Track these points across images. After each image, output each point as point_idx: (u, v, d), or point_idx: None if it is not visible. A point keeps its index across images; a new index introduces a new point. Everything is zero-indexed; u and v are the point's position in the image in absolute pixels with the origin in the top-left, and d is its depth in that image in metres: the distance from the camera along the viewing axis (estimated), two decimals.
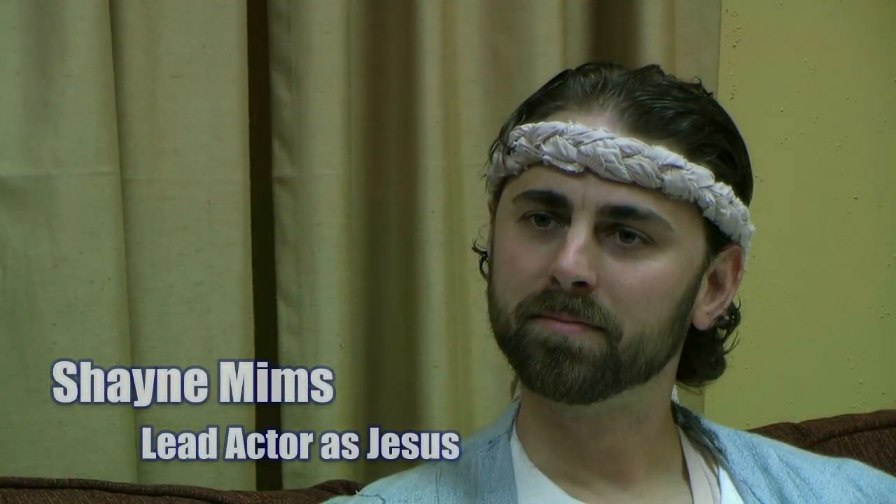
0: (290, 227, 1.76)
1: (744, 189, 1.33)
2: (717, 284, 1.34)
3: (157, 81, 1.70)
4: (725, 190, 1.29)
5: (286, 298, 1.77)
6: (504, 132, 1.34)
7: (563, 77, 1.33)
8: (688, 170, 1.27)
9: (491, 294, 1.32)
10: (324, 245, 1.75)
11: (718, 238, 1.32)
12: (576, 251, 1.25)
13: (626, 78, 1.30)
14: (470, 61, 1.85)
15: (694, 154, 1.28)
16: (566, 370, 1.27)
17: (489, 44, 1.86)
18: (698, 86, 1.34)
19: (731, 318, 1.38)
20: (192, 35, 1.70)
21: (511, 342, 1.30)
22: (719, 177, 1.29)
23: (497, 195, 1.35)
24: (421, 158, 1.79)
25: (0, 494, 1.51)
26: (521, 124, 1.31)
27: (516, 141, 1.31)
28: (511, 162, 1.31)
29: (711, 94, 1.36)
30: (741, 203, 1.32)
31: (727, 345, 1.39)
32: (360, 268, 1.82)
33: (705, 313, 1.34)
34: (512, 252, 1.30)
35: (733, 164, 1.31)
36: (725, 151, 1.30)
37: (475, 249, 1.43)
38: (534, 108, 1.32)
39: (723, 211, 1.29)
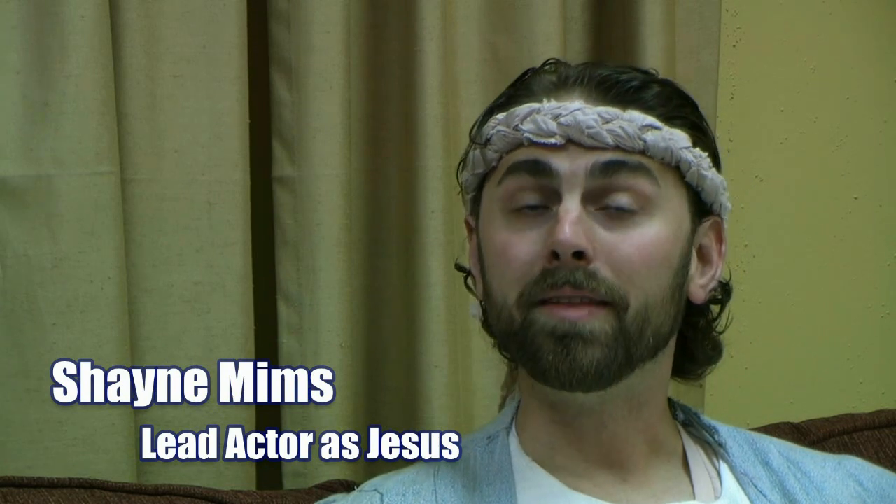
0: (290, 227, 1.76)
1: (717, 162, 1.34)
2: (704, 259, 1.35)
3: (157, 81, 1.70)
4: (704, 154, 1.31)
5: (286, 298, 1.77)
6: (474, 132, 1.34)
7: (526, 75, 1.34)
8: (666, 131, 1.28)
9: (488, 294, 1.32)
10: (324, 245, 1.75)
11: (700, 206, 1.33)
12: (571, 223, 1.25)
13: (584, 67, 1.32)
14: (470, 61, 1.85)
15: (667, 121, 1.29)
16: (580, 355, 1.26)
17: (489, 44, 1.86)
18: (655, 73, 1.36)
19: (723, 293, 1.39)
20: (192, 35, 1.70)
21: (517, 336, 1.29)
22: (696, 143, 1.31)
23: (476, 202, 1.35)
24: (421, 158, 1.79)
25: (0, 494, 1.51)
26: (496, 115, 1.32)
27: (493, 130, 1.31)
28: (490, 153, 1.32)
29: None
30: (718, 175, 1.33)
31: (721, 325, 1.39)
32: (360, 268, 1.82)
33: (699, 286, 1.34)
34: (503, 243, 1.29)
35: (705, 135, 1.32)
36: (695, 123, 1.32)
37: (458, 268, 1.43)
38: (504, 106, 1.33)
39: (704, 173, 1.31)
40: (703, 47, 1.95)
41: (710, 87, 1.94)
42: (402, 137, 1.81)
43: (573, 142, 1.27)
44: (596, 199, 1.27)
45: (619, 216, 1.27)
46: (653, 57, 1.84)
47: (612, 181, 1.27)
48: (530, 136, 1.28)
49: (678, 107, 1.31)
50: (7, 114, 1.63)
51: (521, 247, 1.28)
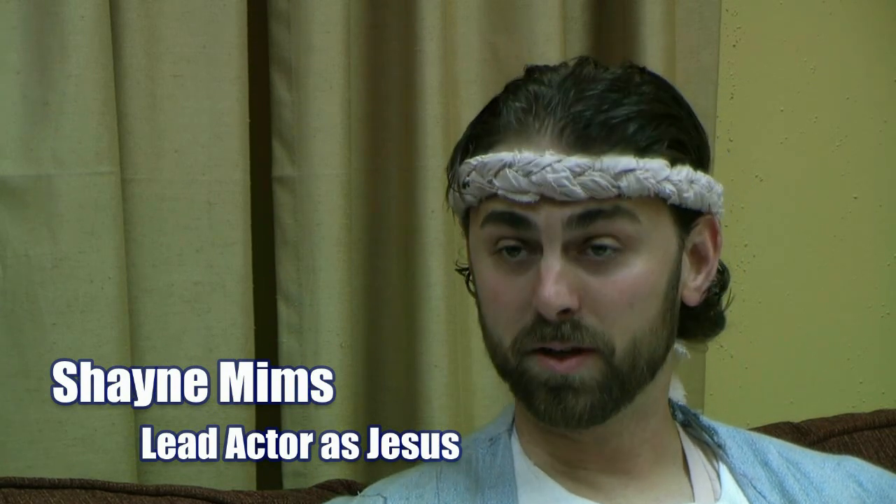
0: (290, 227, 1.76)
1: (701, 158, 1.32)
2: (699, 256, 1.34)
3: (157, 81, 1.70)
4: (684, 172, 1.28)
5: (286, 298, 1.77)
6: (451, 169, 1.33)
7: (494, 106, 1.31)
8: (641, 168, 1.26)
9: (483, 326, 1.32)
10: (324, 245, 1.75)
11: (687, 216, 1.31)
12: (553, 281, 1.25)
13: (556, 90, 1.28)
14: (470, 61, 1.85)
15: (644, 152, 1.27)
16: (571, 404, 1.27)
17: (489, 44, 1.86)
18: (630, 67, 1.32)
19: (721, 281, 1.38)
20: (192, 35, 1.70)
21: (512, 377, 1.30)
22: (675, 162, 1.28)
23: (465, 227, 1.35)
24: (421, 158, 1.79)
25: (1, 494, 1.51)
26: (469, 158, 1.30)
27: (468, 176, 1.30)
28: (468, 197, 1.31)
29: (644, 68, 1.34)
30: (703, 175, 1.31)
31: (723, 304, 1.39)
32: (360, 268, 1.82)
33: (693, 290, 1.34)
34: (493, 288, 1.29)
35: (684, 147, 1.30)
36: (674, 139, 1.29)
37: (458, 270, 1.43)
38: (476, 142, 1.31)
39: (686, 195, 1.29)
40: (703, 47, 1.95)
41: (710, 87, 1.94)
42: (402, 137, 1.81)
43: (546, 197, 1.26)
44: (577, 246, 1.26)
45: (602, 260, 1.26)
46: (653, 57, 1.84)
47: (591, 230, 1.26)
48: (503, 192, 1.27)
49: (655, 129, 1.27)
50: (7, 114, 1.63)
51: (512, 294, 1.28)
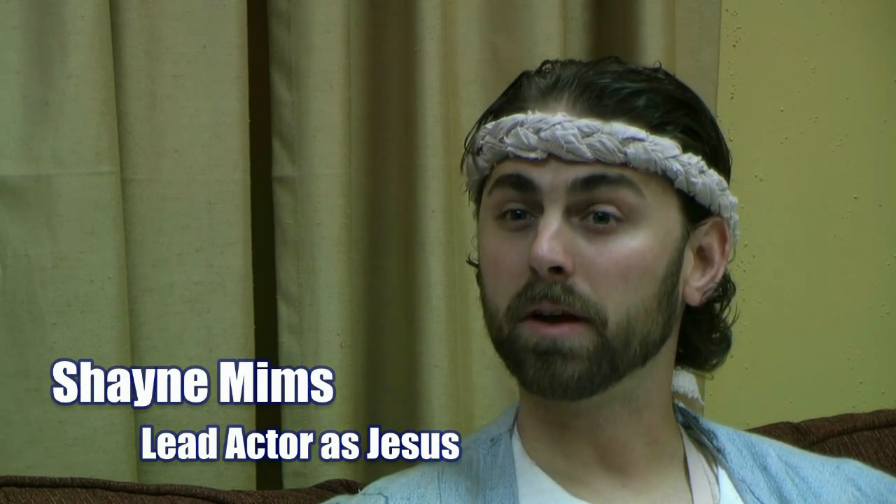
0: (290, 227, 1.76)
1: (716, 160, 1.33)
2: (705, 259, 1.35)
3: (157, 81, 1.70)
4: (694, 160, 1.30)
5: (286, 298, 1.77)
6: (469, 138, 1.35)
7: (520, 80, 1.34)
8: (650, 141, 1.28)
9: (483, 299, 1.33)
10: (324, 245, 1.75)
11: (696, 210, 1.32)
12: (549, 238, 1.26)
13: (579, 69, 1.31)
14: (470, 61, 1.85)
15: (655, 129, 1.28)
16: (559, 370, 1.27)
17: (489, 44, 1.86)
18: (657, 69, 1.35)
19: (725, 289, 1.38)
20: (192, 35, 1.70)
21: (504, 346, 1.31)
22: (687, 148, 1.29)
23: (478, 205, 1.36)
24: (421, 158, 1.79)
25: (2, 493, 1.51)
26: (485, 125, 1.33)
27: (483, 140, 1.32)
28: (481, 161, 1.33)
29: (673, 74, 1.36)
30: (715, 173, 1.32)
31: (727, 319, 1.39)
32: (360, 268, 1.82)
33: (695, 289, 1.34)
34: (494, 252, 1.31)
35: (699, 138, 1.31)
36: (688, 127, 1.30)
37: (470, 262, 1.43)
38: (496, 114, 1.33)
39: (693, 180, 1.30)
40: (702, 47, 1.95)
41: (710, 87, 1.94)
42: (402, 137, 1.81)
43: (554, 156, 1.28)
44: (580, 211, 1.28)
45: (602, 228, 1.27)
46: (653, 56, 1.84)
47: (594, 195, 1.27)
48: (513, 149, 1.29)
49: (668, 112, 1.29)
50: (7, 113, 1.63)
51: (510, 257, 1.29)
